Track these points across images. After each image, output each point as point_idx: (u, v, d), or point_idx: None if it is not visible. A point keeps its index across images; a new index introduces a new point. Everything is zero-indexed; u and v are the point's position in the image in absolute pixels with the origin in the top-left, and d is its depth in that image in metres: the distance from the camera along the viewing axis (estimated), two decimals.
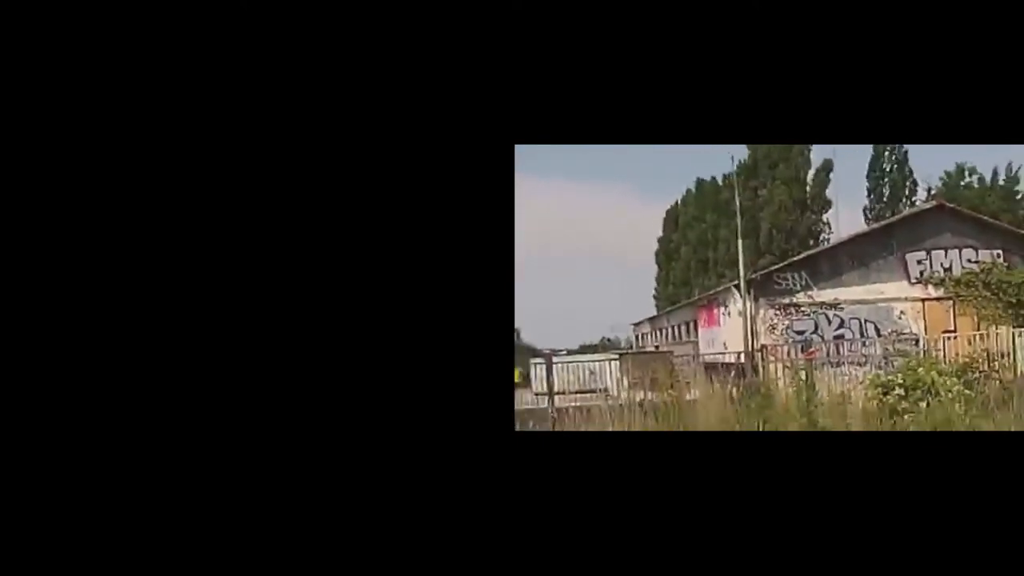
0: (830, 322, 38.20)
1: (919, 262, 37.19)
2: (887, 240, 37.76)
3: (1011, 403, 12.43)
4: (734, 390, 15.71)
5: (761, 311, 37.05)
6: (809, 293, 37.31)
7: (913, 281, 37.76)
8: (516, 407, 18.05)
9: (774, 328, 36.49)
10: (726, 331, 40.04)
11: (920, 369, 13.44)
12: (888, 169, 58.56)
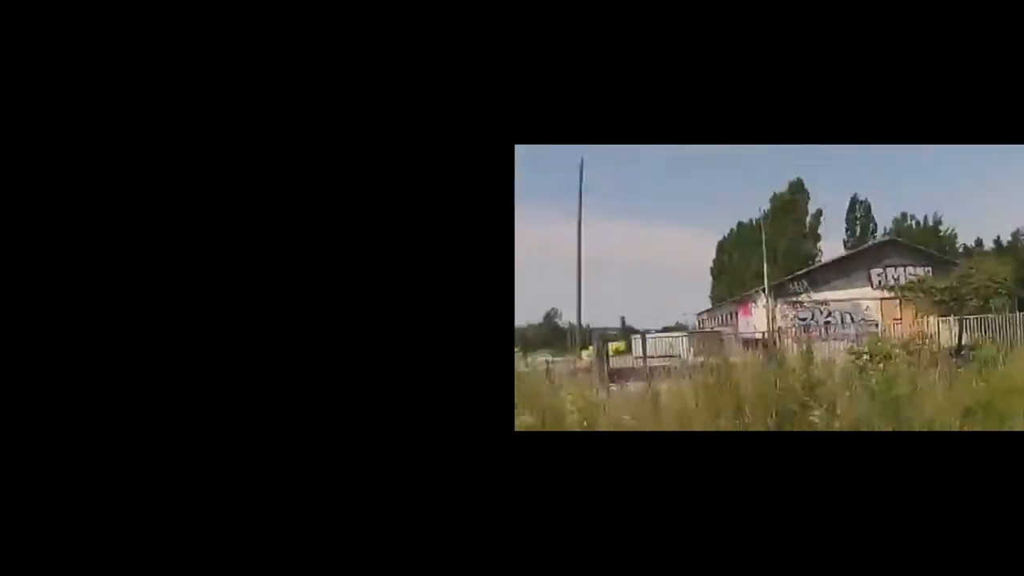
0: (822, 313, 49.00)
1: (878, 275, 49.81)
2: (858, 262, 52.29)
3: (936, 363, 12.98)
4: (760, 356, 14.26)
5: (777, 306, 47.78)
6: (808, 295, 50.86)
7: (875, 287, 49.73)
8: (622, 366, 23.64)
9: (786, 317, 43.36)
10: (756, 318, 47.82)
11: (879, 343, 14.79)
12: (858, 215, 72.93)
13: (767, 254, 51.82)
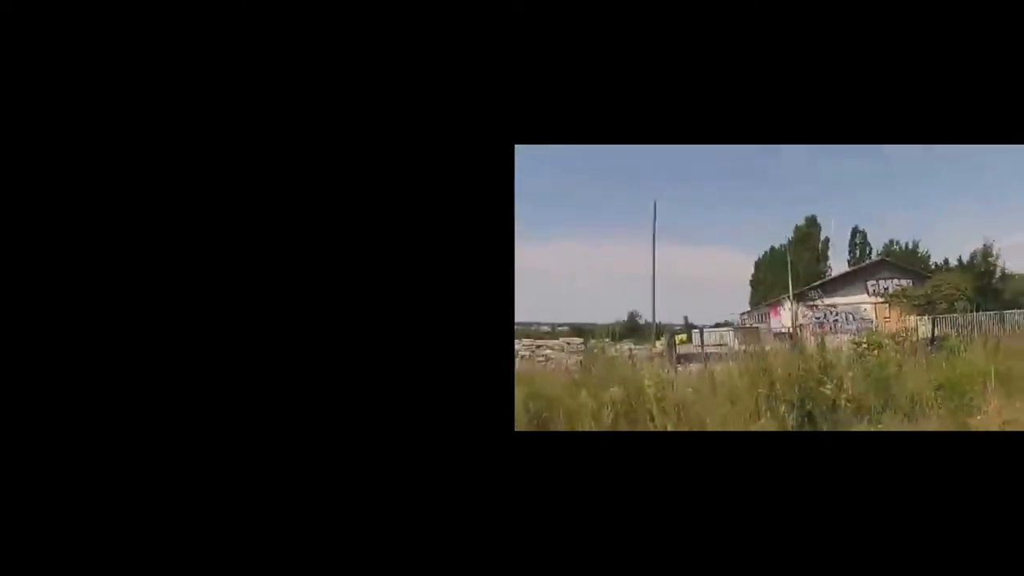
0: (831, 314, 50.44)
1: (872, 286, 50.16)
2: (857, 276, 52.42)
3: (915, 351, 13.02)
4: (786, 345, 15.00)
5: (799, 309, 49.43)
6: (821, 300, 51.02)
7: (870, 295, 49.98)
8: (685, 352, 21.76)
9: (805, 316, 46.66)
10: (783, 318, 47.12)
11: (873, 336, 13.94)
12: (858, 241, 73.16)
13: (791, 271, 52.09)
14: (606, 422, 10.57)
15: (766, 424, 9.82)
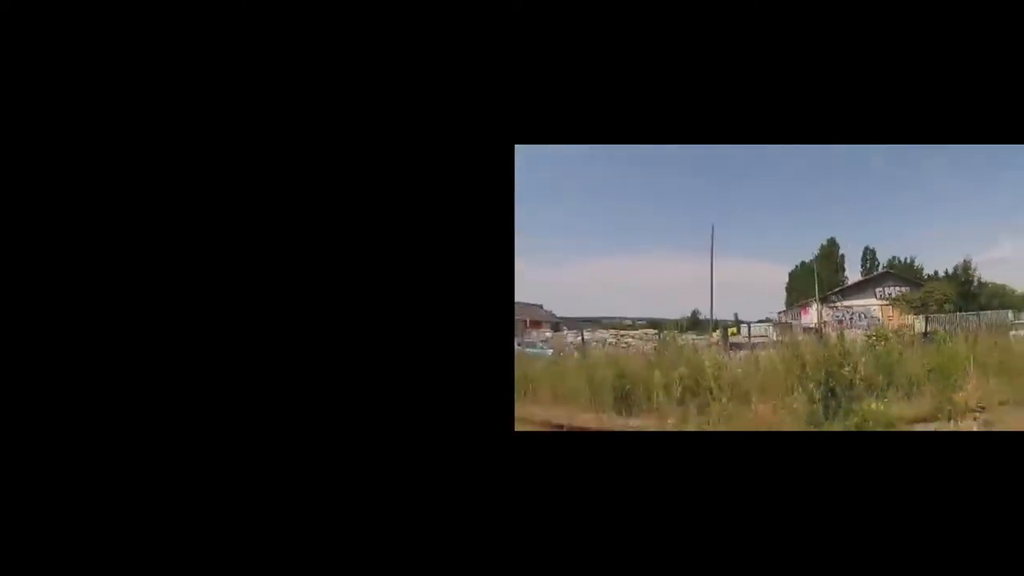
0: (848, 314, 50.89)
1: (880, 292, 50.09)
2: (868, 284, 51.76)
3: (912, 342, 12.89)
4: (813, 337, 14.55)
5: (823, 309, 49.62)
6: (840, 303, 50.72)
7: (878, 299, 50.22)
8: (735, 341, 20.88)
9: (827, 315, 48.91)
10: (811, 316, 47.79)
11: (881, 330, 13.71)
12: (867, 257, 71.96)
13: (817, 280, 51.53)
14: (675, 394, 10.53)
15: (798, 396, 9.77)
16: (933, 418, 9.14)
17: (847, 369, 9.89)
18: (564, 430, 10.01)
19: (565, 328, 18.76)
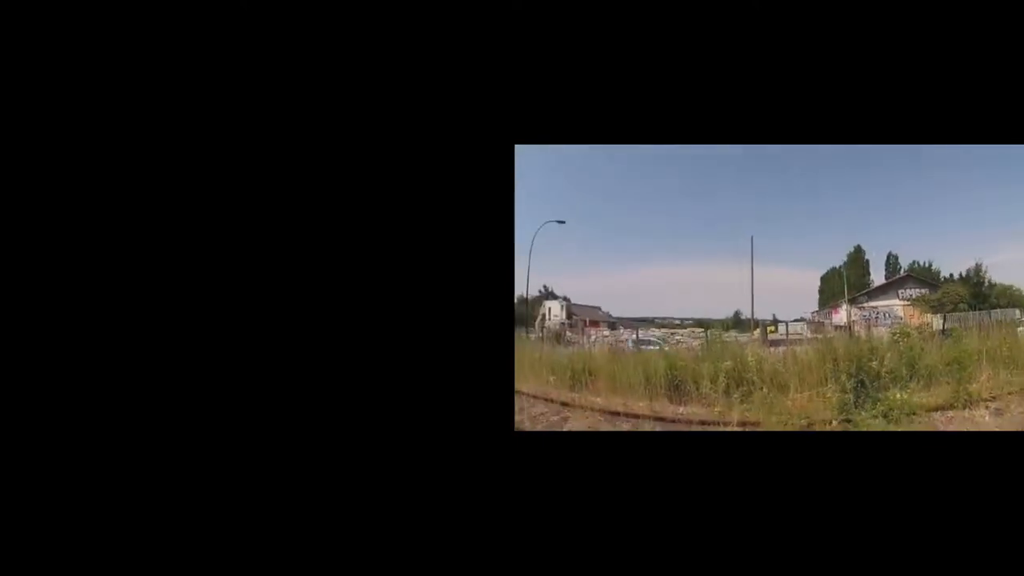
0: (874, 313, 50.10)
1: (902, 293, 49.45)
2: (891, 287, 50.89)
3: (932, 338, 12.91)
4: (844, 334, 15.78)
5: (852, 309, 49.13)
6: (867, 303, 49.95)
7: (900, 299, 49.66)
8: (774, 338, 20.22)
9: (855, 315, 48.47)
10: (840, 316, 49.92)
11: (903, 328, 13.55)
12: (891, 262, 70.53)
13: (846, 283, 50.75)
14: (721, 385, 10.50)
15: (831, 386, 9.60)
16: (950, 407, 9.05)
17: (875, 362, 9.85)
18: (621, 414, 9.92)
19: (621, 327, 18.84)
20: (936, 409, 8.92)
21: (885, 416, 8.45)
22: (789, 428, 8.31)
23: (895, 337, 12.21)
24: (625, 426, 9.47)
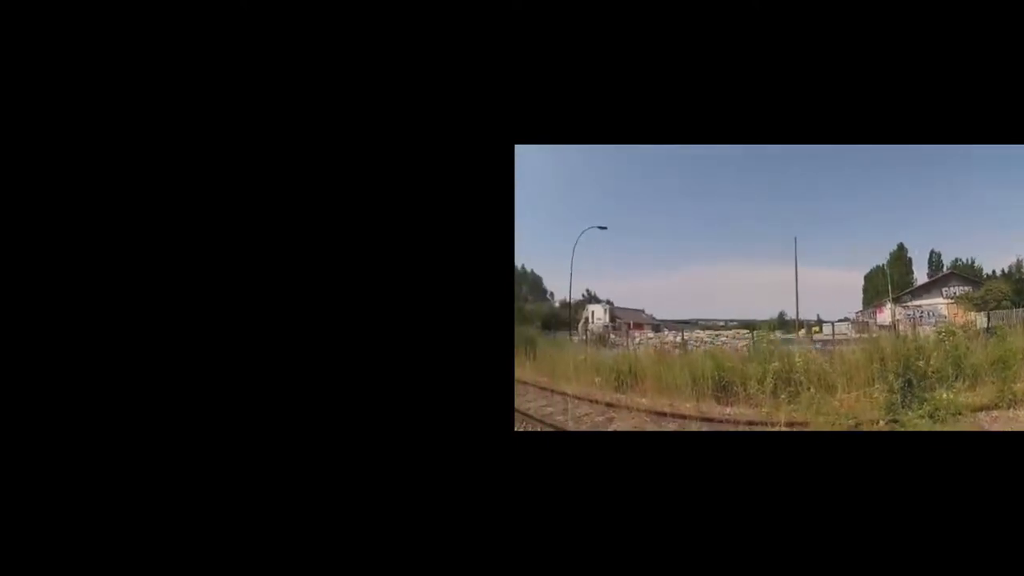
0: (918, 312, 49.66)
1: (945, 291, 48.89)
2: (935, 285, 50.39)
3: (977, 336, 12.50)
4: (889, 333, 14.33)
5: (896, 308, 48.69)
6: (911, 302, 49.50)
7: (944, 298, 49.21)
8: (817, 338, 20.15)
9: (900, 314, 47.94)
10: (885, 315, 49.49)
11: (948, 326, 13.31)
12: (933, 260, 69.73)
13: (890, 282, 50.40)
14: (769, 385, 10.45)
15: (879, 386, 9.67)
16: (995, 406, 9.01)
17: (921, 362, 9.83)
18: (667, 414, 9.93)
19: (665, 329, 18.57)
20: (981, 409, 8.84)
21: (931, 416, 8.45)
22: (836, 428, 8.26)
23: (940, 336, 12.11)
24: (671, 426, 9.39)
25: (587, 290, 19.83)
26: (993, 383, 9.68)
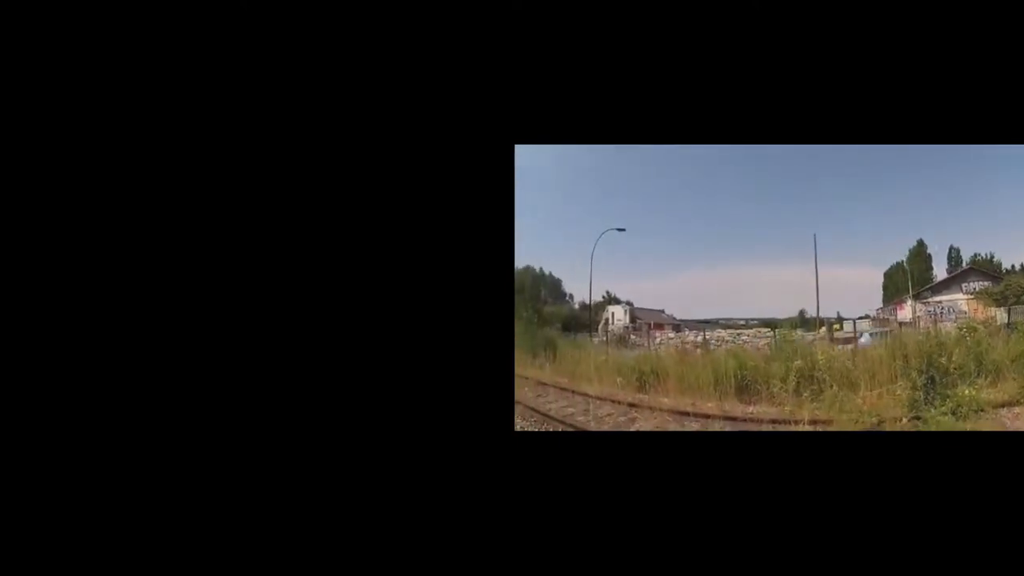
0: (939, 308, 49.68)
1: (965, 287, 48.91)
2: (955, 280, 50.36)
3: (998, 332, 12.28)
4: (910, 330, 15.23)
5: (916, 304, 48.82)
6: (931, 298, 49.48)
7: (964, 293, 49.22)
8: (839, 336, 20.60)
9: (920, 310, 48.11)
10: (905, 311, 49.74)
11: (969, 322, 14.03)
12: (953, 255, 69.66)
13: (910, 278, 50.40)
14: (792, 383, 10.41)
15: (902, 383, 9.70)
16: (1016, 402, 8.93)
17: (943, 358, 9.74)
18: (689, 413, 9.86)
19: (686, 329, 18.96)
20: (1003, 405, 8.80)
21: (953, 413, 8.37)
22: (860, 426, 8.16)
23: (962, 332, 12.02)
24: (694, 426, 9.37)
25: (607, 292, 20.13)
26: (1015, 379, 9.64)
